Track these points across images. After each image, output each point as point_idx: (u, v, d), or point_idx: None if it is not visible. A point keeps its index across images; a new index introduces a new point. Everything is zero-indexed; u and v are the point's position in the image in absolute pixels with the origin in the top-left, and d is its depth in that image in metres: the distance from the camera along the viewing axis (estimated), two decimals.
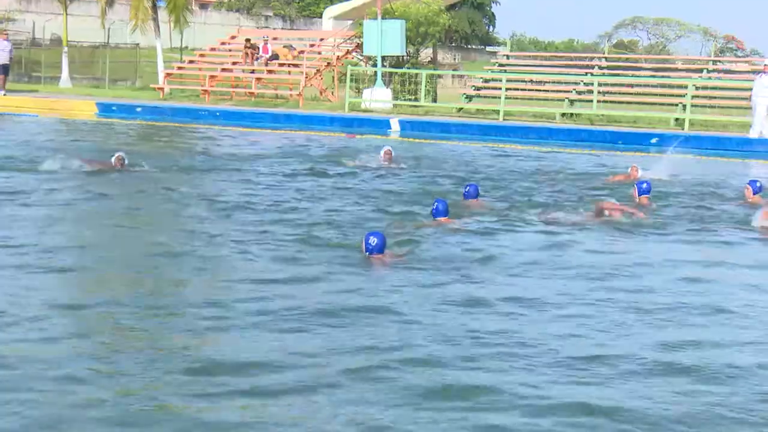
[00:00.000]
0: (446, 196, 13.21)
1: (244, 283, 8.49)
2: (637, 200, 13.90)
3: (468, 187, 13.61)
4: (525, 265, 9.66)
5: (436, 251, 10.09)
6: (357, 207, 13.19)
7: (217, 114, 30.65)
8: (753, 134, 25.55)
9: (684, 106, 29.50)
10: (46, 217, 11.56)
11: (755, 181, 15.10)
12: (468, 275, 9.10)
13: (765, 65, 26.33)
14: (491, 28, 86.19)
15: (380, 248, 9.33)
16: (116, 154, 16.05)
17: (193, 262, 9.28)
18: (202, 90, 36.05)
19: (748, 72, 33.84)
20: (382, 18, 32.88)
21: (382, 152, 18.55)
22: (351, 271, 9.10)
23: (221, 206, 12.79)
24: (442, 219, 11.45)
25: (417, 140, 25.70)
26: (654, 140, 25.55)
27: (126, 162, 15.93)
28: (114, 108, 31.44)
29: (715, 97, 31.05)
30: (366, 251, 9.36)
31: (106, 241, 10.51)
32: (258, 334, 7.01)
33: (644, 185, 14.18)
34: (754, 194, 14.69)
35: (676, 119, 29.31)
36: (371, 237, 9.40)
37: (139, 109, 31.11)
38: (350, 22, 40.47)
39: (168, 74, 37.54)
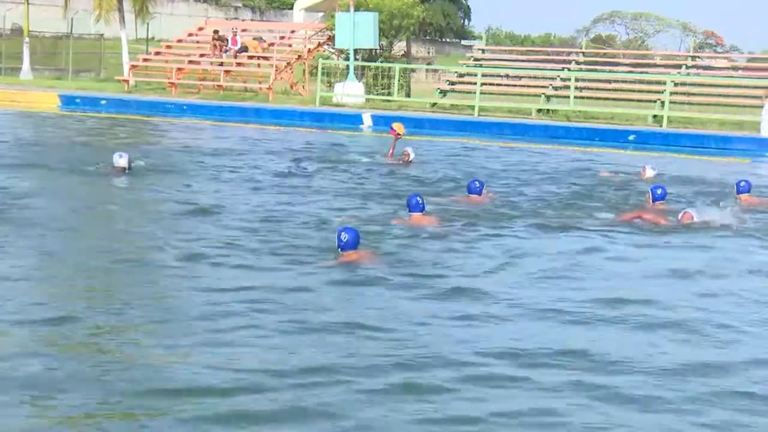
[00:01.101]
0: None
1: (209, 291, 8.14)
2: (650, 206, 13.30)
3: (472, 182, 13.64)
4: (495, 266, 9.49)
5: (407, 250, 9.98)
6: (342, 205, 13.05)
7: (184, 107, 30.08)
8: (765, 133, 24.78)
9: (662, 102, 29.00)
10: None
11: (740, 181, 14.90)
12: (436, 277, 8.89)
13: None
14: (466, 22, 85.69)
15: (353, 244, 9.15)
16: (125, 156, 15.19)
17: (174, 270, 8.87)
18: (169, 83, 35.45)
19: (727, 68, 33.45)
20: (355, 10, 32.30)
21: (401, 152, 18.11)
22: (322, 274, 8.88)
23: (207, 208, 12.32)
24: (416, 215, 11.33)
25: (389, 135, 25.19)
26: (631, 137, 25.22)
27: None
28: (77, 100, 30.93)
29: (693, 94, 30.57)
30: (338, 247, 9.20)
31: (81, 247, 9.91)
32: (228, 346, 6.69)
33: (659, 191, 13.48)
34: (738, 194, 14.48)
35: (654, 116, 28.86)
36: (342, 233, 9.23)
37: (103, 102, 30.63)
38: (322, 13, 39.97)
39: (133, 66, 36.78)
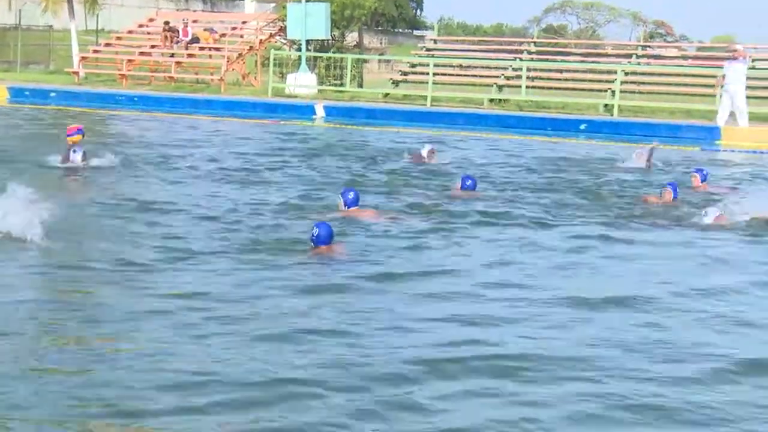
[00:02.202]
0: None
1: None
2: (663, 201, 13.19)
3: (467, 179, 13.65)
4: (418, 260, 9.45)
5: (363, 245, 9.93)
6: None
7: (135, 99, 29.80)
8: (720, 122, 24.70)
9: (613, 92, 29.20)
10: None
11: (701, 169, 15.11)
12: (405, 273, 8.86)
13: (735, 51, 25.60)
14: (419, 12, 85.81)
15: (326, 239, 9.22)
16: (80, 151, 14.82)
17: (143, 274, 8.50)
18: (119, 74, 35.12)
19: (677, 57, 33.73)
20: (306, 0, 32.15)
21: (425, 151, 17.53)
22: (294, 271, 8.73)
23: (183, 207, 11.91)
24: (353, 209, 11.33)
25: (342, 126, 25.20)
26: (583, 126, 25.38)
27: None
28: (26, 93, 30.67)
29: (644, 83, 30.82)
30: (311, 242, 9.27)
31: (30, 248, 9.25)
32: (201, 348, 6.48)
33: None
34: (701, 182, 14.62)
35: (606, 105, 29.05)
36: (314, 228, 9.31)
37: (53, 94, 30.37)
38: (273, 4, 39.77)
39: (83, 58, 36.38)
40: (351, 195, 11.40)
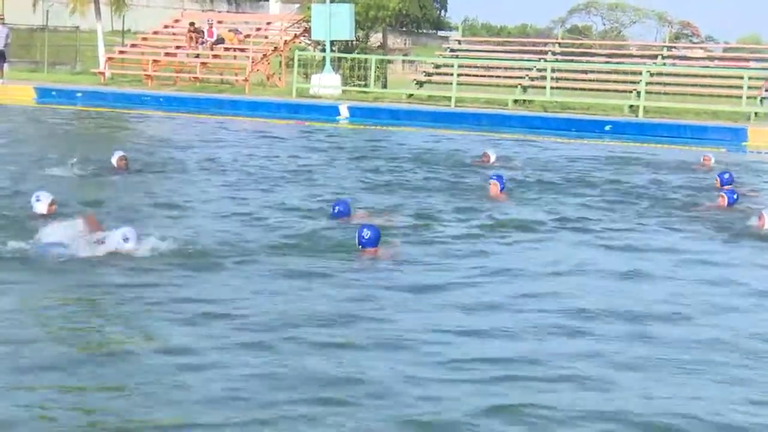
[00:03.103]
0: None
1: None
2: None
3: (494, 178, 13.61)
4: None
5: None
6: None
7: (161, 100, 29.91)
8: None
9: (638, 92, 29.08)
10: None
11: (724, 173, 15.03)
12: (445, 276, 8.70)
13: None
14: (443, 12, 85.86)
15: (372, 242, 9.25)
16: (118, 155, 14.75)
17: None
18: (145, 75, 35.25)
19: (703, 58, 33.55)
20: (331, 1, 32.21)
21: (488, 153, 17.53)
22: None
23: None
24: (341, 220, 11.05)
25: (366, 126, 25.21)
26: (608, 127, 25.33)
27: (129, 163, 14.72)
28: (53, 93, 30.77)
29: (669, 84, 30.67)
30: (359, 244, 9.28)
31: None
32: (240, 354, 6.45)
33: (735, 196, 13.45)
34: (722, 185, 14.47)
35: (631, 106, 28.93)
36: (364, 230, 9.31)
37: (79, 95, 30.50)
38: (298, 5, 39.82)
39: (109, 58, 36.52)
40: (338, 209, 11.11)
